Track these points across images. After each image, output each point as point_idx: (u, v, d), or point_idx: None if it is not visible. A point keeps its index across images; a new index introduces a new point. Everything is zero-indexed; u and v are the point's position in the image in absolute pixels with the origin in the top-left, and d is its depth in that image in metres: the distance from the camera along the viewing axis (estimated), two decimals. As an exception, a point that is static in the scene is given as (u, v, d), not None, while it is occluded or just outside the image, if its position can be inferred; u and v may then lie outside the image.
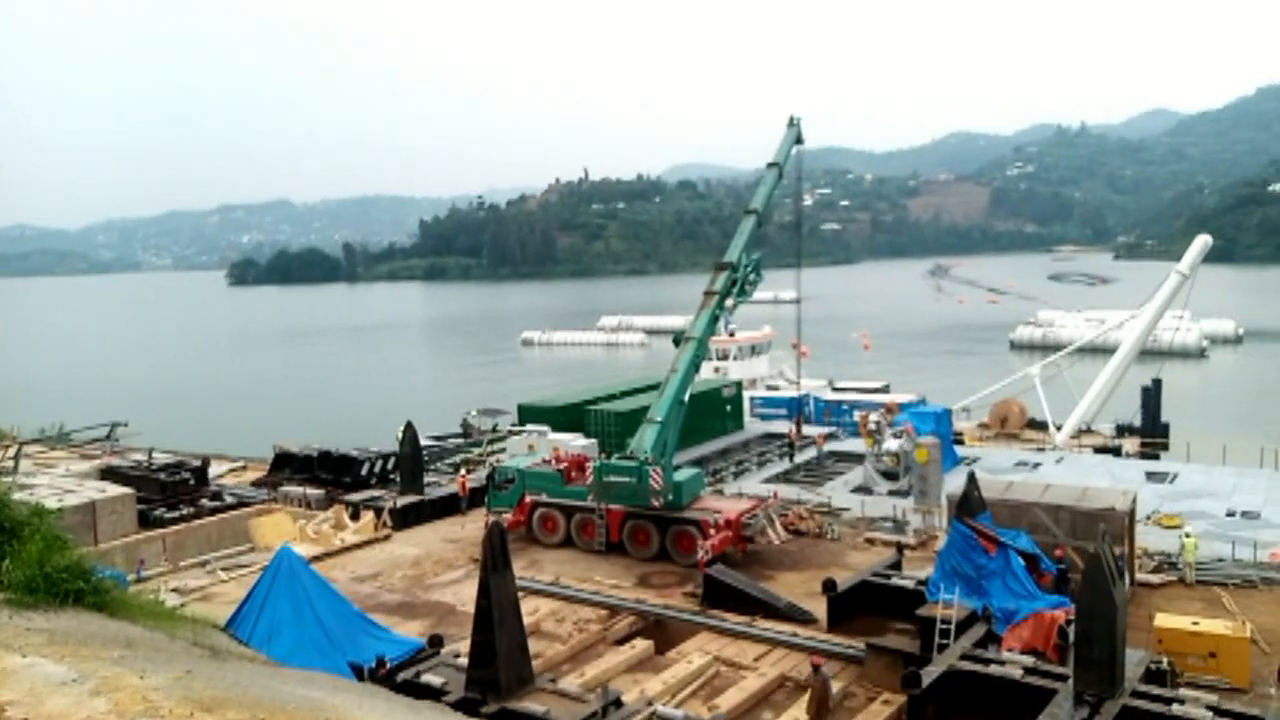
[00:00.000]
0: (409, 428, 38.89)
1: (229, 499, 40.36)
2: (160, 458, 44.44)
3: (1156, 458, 47.36)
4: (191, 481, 40.64)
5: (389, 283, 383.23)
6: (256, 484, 43.89)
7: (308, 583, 22.04)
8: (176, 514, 37.46)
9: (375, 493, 39.30)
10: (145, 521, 36.39)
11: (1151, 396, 50.93)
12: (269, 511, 37.76)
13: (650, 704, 18.01)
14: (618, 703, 17.65)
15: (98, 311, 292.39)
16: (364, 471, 41.64)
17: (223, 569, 31.69)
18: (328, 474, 42.40)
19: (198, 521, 36.67)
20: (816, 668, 18.77)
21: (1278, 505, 35.57)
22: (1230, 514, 34.73)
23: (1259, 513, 34.67)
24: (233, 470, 48.31)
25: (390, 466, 41.76)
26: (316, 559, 30.83)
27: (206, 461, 44.57)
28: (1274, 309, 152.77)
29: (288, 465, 44.57)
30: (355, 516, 36.46)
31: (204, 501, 39.44)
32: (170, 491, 39.42)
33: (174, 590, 28.17)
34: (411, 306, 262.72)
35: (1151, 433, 50.10)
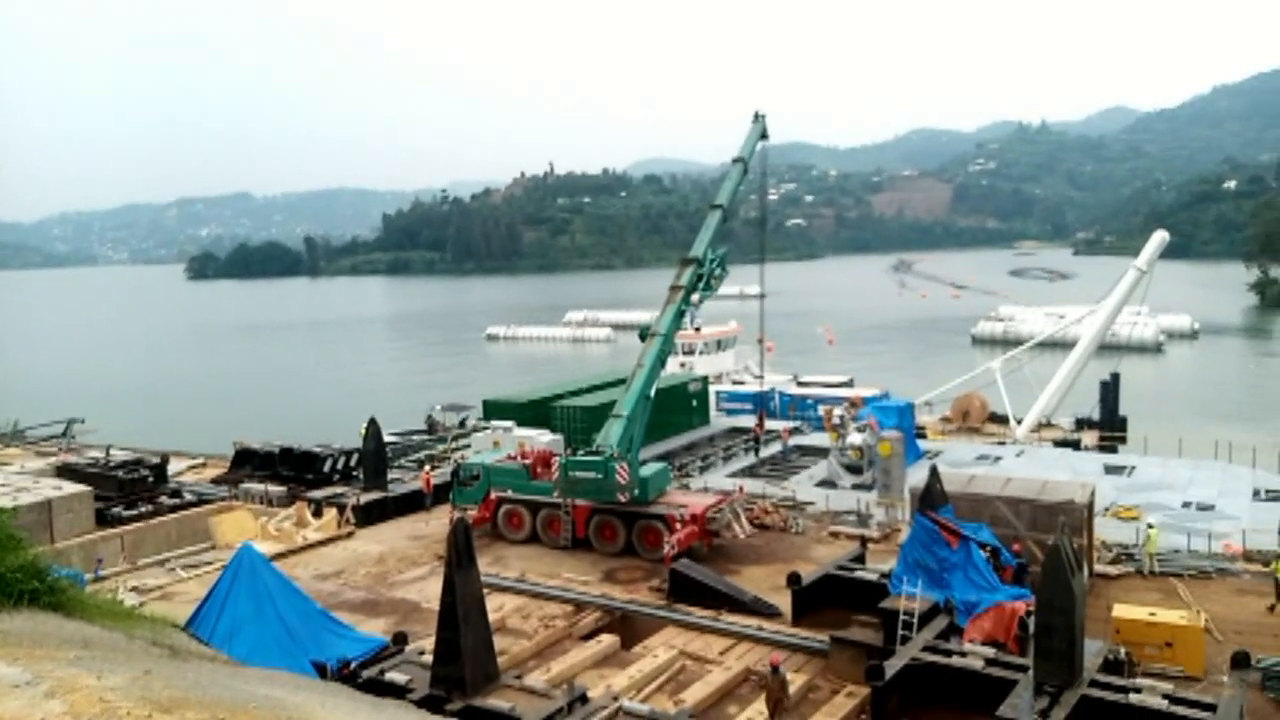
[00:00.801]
0: (372, 423, 38.59)
1: (189, 496, 39.77)
2: (118, 455, 43.69)
3: (1114, 451, 48.10)
4: (150, 479, 39.96)
5: (351, 277, 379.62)
6: (217, 481, 43.35)
7: (269, 581, 21.84)
8: (135, 512, 36.86)
9: (338, 489, 39.02)
10: (103, 520, 35.79)
11: (1110, 390, 51.75)
12: (229, 509, 37.27)
13: (616, 699, 18.02)
14: (583, 698, 17.66)
15: (53, 306, 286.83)
16: (326, 468, 41.31)
17: (182, 568, 31.27)
18: (289, 471, 42.04)
19: (157, 520, 36.16)
20: (775, 667, 18.84)
21: (1232, 497, 36.31)
22: (1186, 506, 35.38)
23: (1214, 504, 35.35)
24: (192, 467, 47.65)
25: (353, 463, 41.45)
26: (278, 557, 30.52)
27: (165, 459, 43.91)
28: (1229, 304, 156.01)
29: (248, 462, 44.11)
30: (318, 514, 36.14)
31: (163, 499, 38.80)
32: (128, 489, 38.72)
33: (133, 589, 27.76)
34: (374, 301, 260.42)
35: (1110, 426, 50.89)
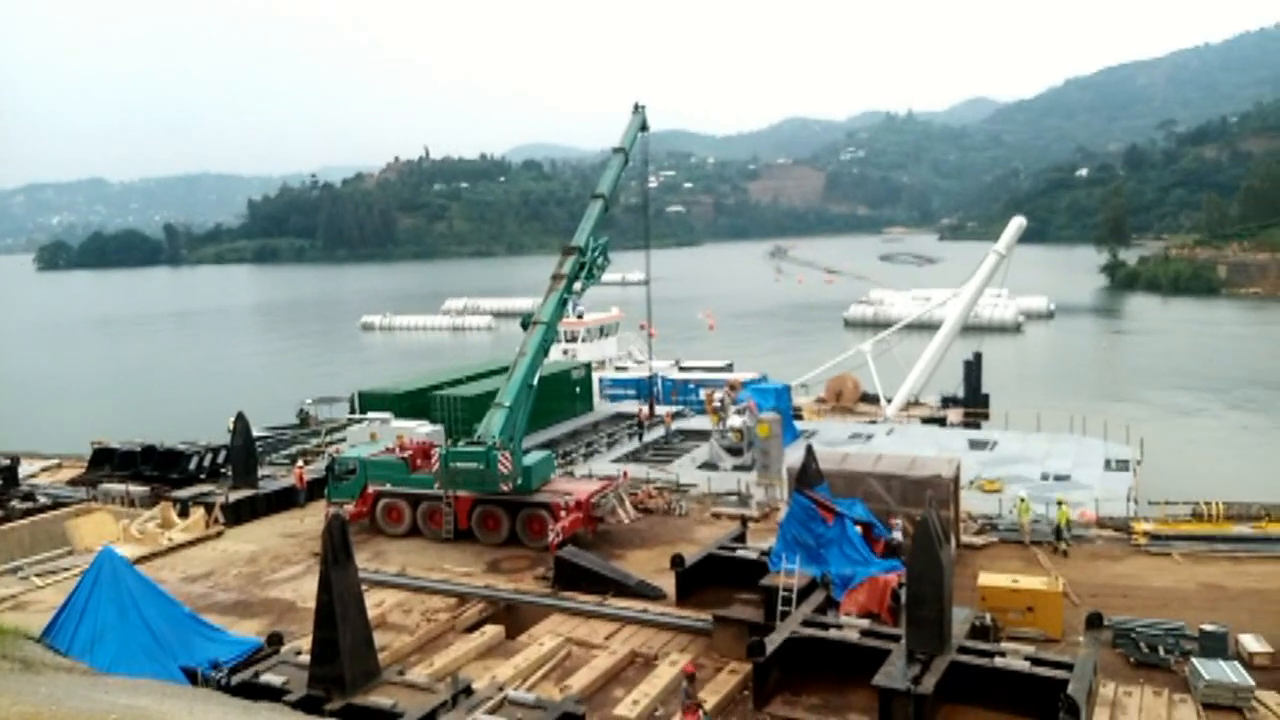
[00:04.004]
0: (240, 418, 37.28)
1: (43, 499, 37.72)
2: (-40, 458, 40.94)
3: (978, 427, 50.28)
4: (-1, 482, 37.68)
5: (216, 266, 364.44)
6: (73, 483, 41.33)
7: (133, 585, 20.89)
8: (-18, 518, 34.60)
9: (205, 488, 37.65)
10: (-55, 528, 33.44)
11: (973, 370, 54.03)
12: (88, 511, 35.39)
13: (501, 689, 17.90)
14: (468, 690, 17.48)
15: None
16: (192, 466, 39.82)
17: (37, 575, 29.58)
18: (152, 470, 40.43)
19: (8, 525, 33.91)
20: (690, 676, 18.80)
21: (1086, 468, 38.54)
22: (1044, 477, 37.37)
23: (1069, 475, 37.45)
24: (46, 469, 45.12)
25: (221, 460, 40.08)
26: (142, 560, 29.35)
27: (16, 460, 41.75)
28: (1082, 286, 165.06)
29: (108, 462, 42.15)
30: (184, 514, 34.74)
31: (14, 503, 36.67)
32: (-27, 494, 36.40)
33: (-20, 601, 26.06)
34: (241, 290, 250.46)
35: (973, 404, 53.15)
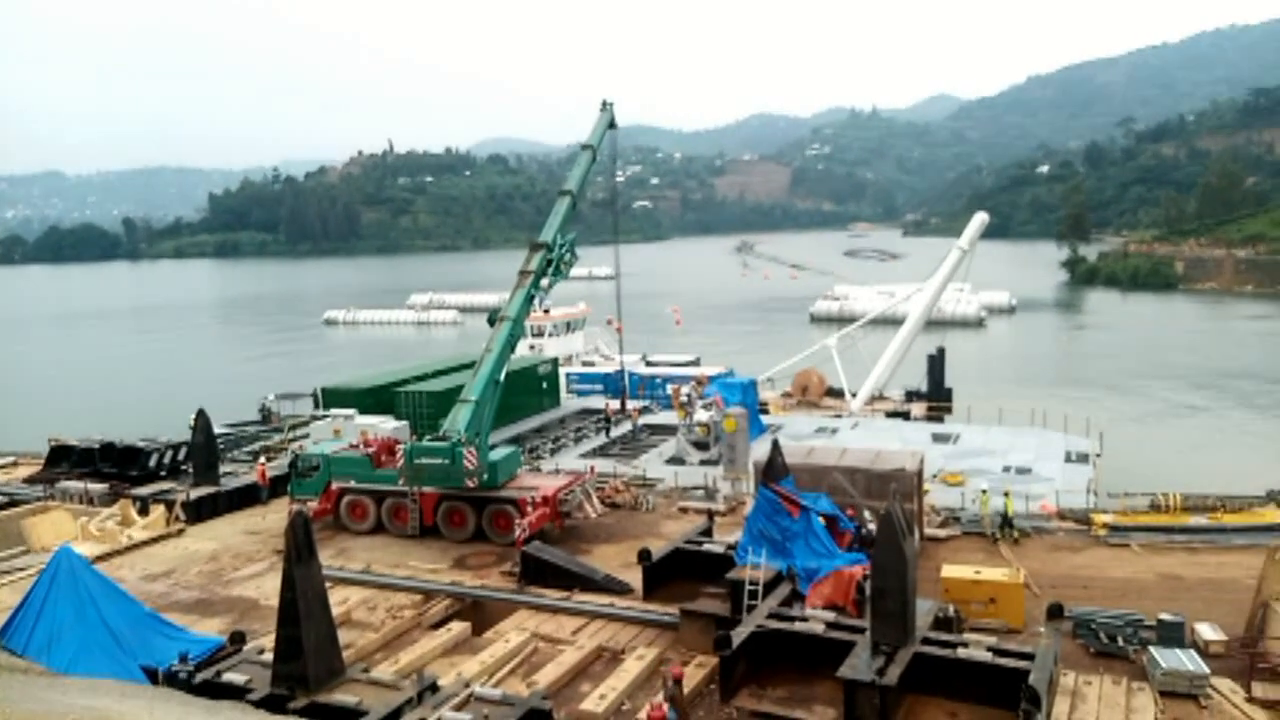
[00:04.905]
0: (201, 415, 36.75)
1: (-2, 498, 36.90)
2: (-88, 456, 40.09)
3: (941, 420, 50.79)
4: (-49, 481, 36.86)
5: (175, 260, 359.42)
6: (30, 481, 40.53)
7: (91, 584, 20.57)
8: (-66, 518, 33.84)
9: (166, 485, 37.06)
10: (-105, 528, 32.70)
11: (936, 364, 54.58)
12: (45, 510, 34.80)
13: (467, 685, 17.81)
14: (433, 687, 17.38)
15: None
16: (152, 463, 39.16)
17: (-9, 575, 28.96)
18: (112, 467, 39.72)
19: (-40, 525, 33.29)
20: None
21: (1047, 460, 39.05)
22: (1006, 470, 37.80)
23: (1030, 468, 37.93)
24: (2, 467, 44.25)
25: (182, 457, 39.50)
26: (101, 559, 28.91)
27: (-32, 459, 40.69)
28: (1043, 281, 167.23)
29: (65, 459, 41.39)
30: (144, 511, 34.22)
31: (-33, 503, 35.85)
32: (-74, 493, 35.60)
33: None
34: (202, 286, 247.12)
35: (936, 397, 53.70)
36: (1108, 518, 30.13)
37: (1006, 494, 30.02)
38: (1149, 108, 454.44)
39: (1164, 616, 21.02)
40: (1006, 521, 29.11)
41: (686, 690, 19.41)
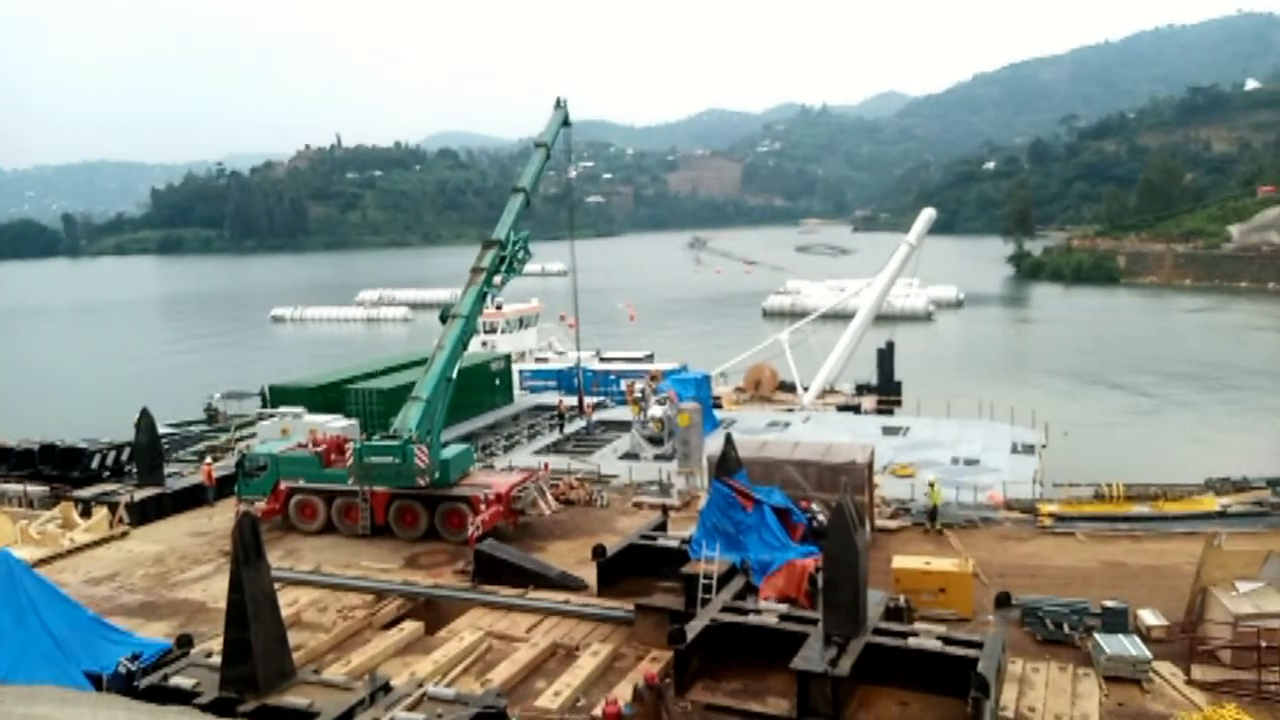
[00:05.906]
0: (144, 414, 35.98)
1: (-69, 503, 35.79)
2: None
3: (891, 413, 51.37)
4: (-119, 485, 35.69)
5: (117, 257, 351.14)
6: (-35, 484, 39.22)
7: (31, 588, 19.96)
8: None
9: (109, 487, 36.24)
10: None
11: (886, 358, 55.21)
12: (-19, 514, 33.82)
13: (421, 685, 17.65)
14: (386, 687, 17.20)
15: None
16: (94, 464, 38.23)
17: (-75, 582, 28.07)
18: (52, 468, 38.66)
19: (-109, 530, 32.24)
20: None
21: (994, 452, 39.73)
22: (955, 461, 38.39)
23: (978, 459, 38.55)
24: (-66, 470, 42.84)
25: (125, 458, 38.58)
26: (42, 562, 28.16)
27: (-99, 462, 39.38)
28: (989, 276, 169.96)
29: (3, 461, 40.24)
30: (86, 514, 33.42)
31: (-102, 507, 34.74)
32: None
33: None
34: (145, 282, 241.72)
35: (886, 391, 54.30)
36: (1053, 508, 30.75)
37: (931, 484, 30.54)
38: (1091, 105, 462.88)
39: (1108, 603, 21.49)
40: (932, 513, 29.64)
41: (641, 686, 19.41)
